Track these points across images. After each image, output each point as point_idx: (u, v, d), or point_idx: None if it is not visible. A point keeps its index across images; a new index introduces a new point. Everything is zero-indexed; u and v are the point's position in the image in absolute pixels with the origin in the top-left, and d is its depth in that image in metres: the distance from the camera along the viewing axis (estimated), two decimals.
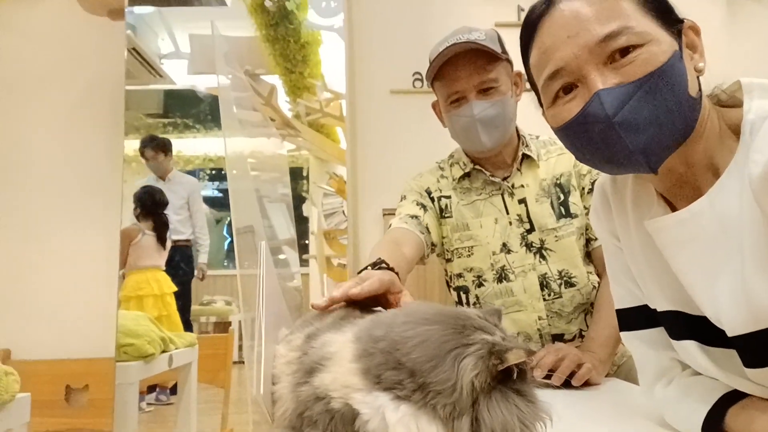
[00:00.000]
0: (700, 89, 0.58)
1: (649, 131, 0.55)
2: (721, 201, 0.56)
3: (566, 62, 0.58)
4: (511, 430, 0.47)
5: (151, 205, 3.30)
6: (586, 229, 1.18)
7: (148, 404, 3.31)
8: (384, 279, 0.74)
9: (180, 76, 4.78)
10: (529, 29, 0.63)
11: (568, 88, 0.59)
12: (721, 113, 0.60)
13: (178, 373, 1.96)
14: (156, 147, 3.70)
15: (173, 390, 2.92)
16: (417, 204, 1.19)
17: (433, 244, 1.18)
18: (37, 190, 1.77)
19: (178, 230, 3.72)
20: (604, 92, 0.55)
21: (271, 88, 3.91)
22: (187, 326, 3.79)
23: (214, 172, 4.06)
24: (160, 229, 3.28)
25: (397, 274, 0.83)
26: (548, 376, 0.93)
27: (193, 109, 6.71)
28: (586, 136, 0.58)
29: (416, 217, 1.16)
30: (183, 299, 3.69)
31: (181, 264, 3.71)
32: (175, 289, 3.37)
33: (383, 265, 0.85)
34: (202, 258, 3.89)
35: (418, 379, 0.48)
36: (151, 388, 3.34)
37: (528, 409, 0.49)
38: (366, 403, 0.49)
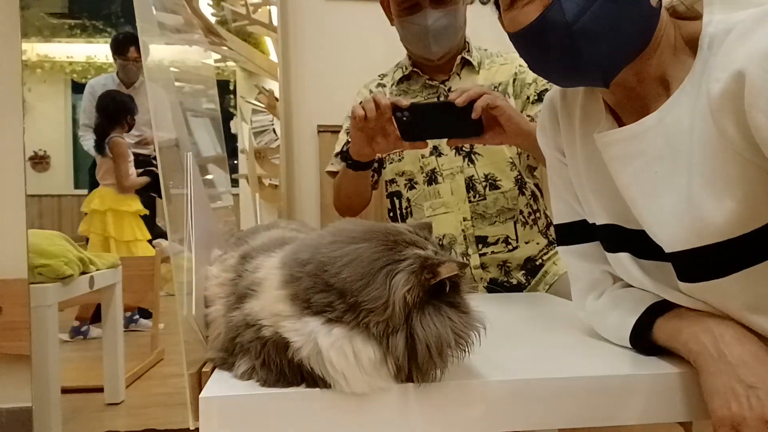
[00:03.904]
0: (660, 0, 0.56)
1: (608, 42, 0.53)
2: (671, 117, 0.55)
3: None
4: (445, 342, 0.47)
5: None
6: None
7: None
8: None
9: None
10: None
11: None
12: (678, 25, 0.59)
13: (101, 295, 1.88)
14: (138, 49, 3.15)
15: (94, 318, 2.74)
16: (347, 133, 1.24)
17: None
18: None
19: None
20: None
21: None
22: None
23: None
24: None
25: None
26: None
27: (104, 10, 6.01)
28: (542, 44, 0.56)
29: (342, 153, 1.24)
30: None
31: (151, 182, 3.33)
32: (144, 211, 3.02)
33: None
34: None
35: (349, 300, 0.47)
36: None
37: (461, 320, 0.49)
38: (296, 331, 0.48)
